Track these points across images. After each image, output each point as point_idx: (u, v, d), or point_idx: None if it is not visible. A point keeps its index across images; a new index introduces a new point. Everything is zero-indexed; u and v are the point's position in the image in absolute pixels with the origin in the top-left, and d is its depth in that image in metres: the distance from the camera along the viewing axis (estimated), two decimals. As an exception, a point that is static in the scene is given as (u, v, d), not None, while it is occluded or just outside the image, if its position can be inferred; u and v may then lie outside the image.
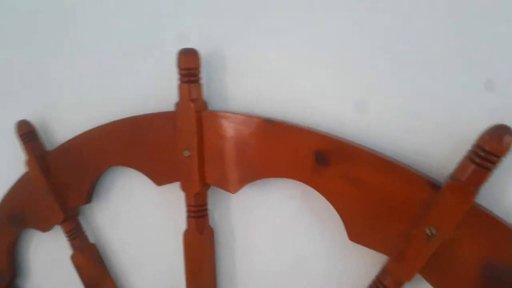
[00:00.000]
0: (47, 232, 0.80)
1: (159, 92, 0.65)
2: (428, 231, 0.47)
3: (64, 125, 0.77)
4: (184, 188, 0.62)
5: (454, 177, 0.46)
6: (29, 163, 0.75)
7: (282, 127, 0.55)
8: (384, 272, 0.51)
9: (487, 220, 0.46)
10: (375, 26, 0.51)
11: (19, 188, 0.80)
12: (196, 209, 0.62)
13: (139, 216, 0.73)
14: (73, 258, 0.75)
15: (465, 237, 0.46)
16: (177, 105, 0.59)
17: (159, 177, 0.64)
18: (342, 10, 0.53)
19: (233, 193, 0.59)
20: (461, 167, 0.45)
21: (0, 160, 0.84)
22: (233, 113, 0.58)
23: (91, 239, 0.77)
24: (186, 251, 0.63)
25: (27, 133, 0.76)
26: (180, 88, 0.59)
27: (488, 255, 0.46)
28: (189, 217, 0.62)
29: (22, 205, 0.81)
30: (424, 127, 0.50)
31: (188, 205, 0.62)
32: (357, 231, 0.52)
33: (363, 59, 0.52)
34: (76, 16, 0.71)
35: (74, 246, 0.75)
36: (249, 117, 0.57)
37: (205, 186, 0.61)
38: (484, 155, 0.43)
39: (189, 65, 0.58)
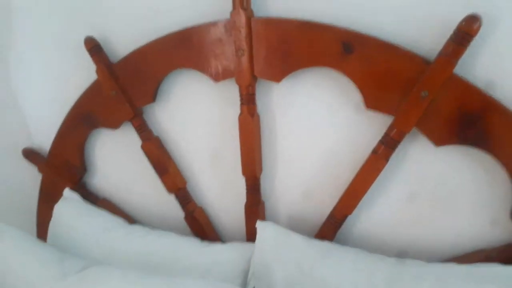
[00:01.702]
0: (113, 131, 1.00)
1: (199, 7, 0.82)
2: (422, 94, 0.68)
3: (123, 40, 0.94)
4: (238, 81, 0.81)
5: (441, 53, 0.66)
6: (98, 71, 0.93)
7: (316, 25, 0.73)
8: (391, 127, 0.72)
9: (461, 83, 0.67)
10: None
11: (90, 93, 0.98)
12: (248, 98, 0.81)
13: (196, 112, 0.92)
14: (143, 146, 0.95)
15: (446, 96, 0.68)
16: (231, 13, 0.77)
17: (217, 75, 0.83)
18: None
19: (278, 82, 0.79)
20: (445, 46, 0.66)
21: (71, 71, 1.01)
22: (275, 17, 0.76)
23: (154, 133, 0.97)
24: (241, 131, 0.84)
25: (94, 47, 0.93)
26: (234, 1, 0.76)
27: (462, 107, 0.68)
28: (242, 104, 0.82)
29: (93, 108, 0.99)
30: (422, 20, 0.70)
31: (241, 94, 0.82)
32: (372, 101, 0.73)
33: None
34: None
35: (142, 137, 0.95)
36: (288, 20, 0.75)
37: (254, 78, 0.81)
38: (461, 36, 0.64)
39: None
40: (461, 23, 0.64)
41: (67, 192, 1.05)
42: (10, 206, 1.15)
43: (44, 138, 1.12)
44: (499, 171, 0.70)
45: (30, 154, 1.12)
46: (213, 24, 0.80)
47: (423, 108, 0.69)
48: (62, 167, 1.08)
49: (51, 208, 1.04)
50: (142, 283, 0.70)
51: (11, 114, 1.12)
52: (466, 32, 0.64)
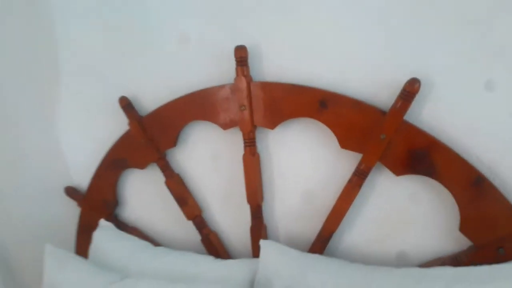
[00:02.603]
0: (141, 171, 1.22)
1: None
2: (381, 136, 0.90)
3: (150, 98, 1.18)
4: (241, 129, 1.03)
5: (393, 106, 0.88)
6: (130, 123, 1.16)
7: (298, 87, 0.96)
8: (360, 162, 0.94)
9: (410, 128, 0.89)
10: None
11: (122, 141, 1.21)
12: (249, 141, 1.04)
13: (209, 153, 1.14)
14: (166, 183, 1.17)
15: (400, 137, 0.89)
16: (235, 79, 1.00)
17: (225, 125, 1.06)
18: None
19: (272, 129, 1.01)
20: (396, 101, 0.88)
21: (107, 122, 1.24)
22: (269, 82, 1.00)
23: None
24: (245, 168, 1.05)
25: (127, 104, 1.17)
26: (237, 69, 1.00)
27: (412, 145, 0.89)
28: (245, 146, 1.04)
29: (125, 153, 1.22)
30: (379, 81, 0.92)
31: (244, 139, 1.04)
32: (345, 142, 0.95)
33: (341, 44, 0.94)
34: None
35: (166, 175, 1.17)
36: (278, 84, 0.98)
37: (254, 126, 1.03)
38: (406, 94, 0.86)
39: (242, 55, 0.99)
40: (405, 84, 0.87)
41: (103, 222, 1.26)
42: (52, 236, 1.36)
43: (82, 178, 1.34)
44: (448, 194, 0.90)
45: (71, 192, 1.35)
46: (222, 87, 1.04)
47: (383, 147, 0.91)
48: (98, 202, 1.30)
49: (88, 237, 1.25)
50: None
51: (55, 158, 1.35)
52: (409, 91, 0.86)
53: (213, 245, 1.16)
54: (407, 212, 0.96)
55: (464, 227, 0.90)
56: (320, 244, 1.03)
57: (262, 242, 1.04)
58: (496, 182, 0.86)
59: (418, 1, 0.86)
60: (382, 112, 0.90)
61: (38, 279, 1.12)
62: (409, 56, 0.89)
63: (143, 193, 1.28)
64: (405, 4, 0.87)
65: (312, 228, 1.04)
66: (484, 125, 0.87)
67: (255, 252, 1.09)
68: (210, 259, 1.10)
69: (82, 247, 1.32)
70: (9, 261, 1.28)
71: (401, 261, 0.98)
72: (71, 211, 1.36)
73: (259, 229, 1.09)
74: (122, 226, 1.29)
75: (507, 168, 0.87)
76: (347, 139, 0.95)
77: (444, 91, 0.88)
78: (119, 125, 1.20)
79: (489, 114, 0.86)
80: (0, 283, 1.24)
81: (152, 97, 1.17)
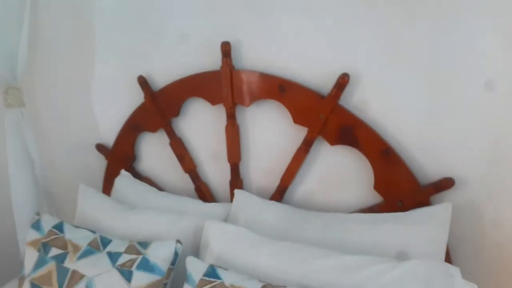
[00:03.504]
0: (152, 134, 1.59)
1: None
2: (321, 116, 1.23)
3: (160, 77, 1.54)
4: (225, 105, 1.38)
5: (329, 93, 1.20)
6: (145, 97, 1.53)
7: (265, 75, 1.30)
8: (307, 135, 1.27)
9: (342, 110, 1.21)
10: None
11: (139, 110, 1.59)
12: (231, 115, 1.38)
13: (201, 122, 1.50)
14: (170, 144, 1.54)
15: (334, 117, 1.22)
16: (221, 67, 1.35)
17: (213, 101, 1.41)
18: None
19: (247, 106, 1.35)
20: (331, 90, 1.20)
21: (130, 98, 1.62)
22: (245, 70, 1.33)
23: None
24: (227, 135, 1.41)
25: (143, 81, 1.53)
26: (222, 59, 1.34)
27: (342, 123, 1.21)
28: (228, 118, 1.39)
29: (140, 120, 1.60)
30: (322, 74, 1.24)
31: (227, 113, 1.38)
32: (297, 119, 1.28)
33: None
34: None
35: (170, 138, 1.54)
36: (252, 72, 1.32)
37: (234, 104, 1.37)
38: (338, 84, 1.18)
39: (226, 49, 1.32)
40: (339, 77, 1.19)
41: (123, 171, 1.66)
42: (84, 180, 1.77)
43: (109, 137, 1.73)
44: (366, 161, 1.22)
45: (101, 148, 1.74)
46: (211, 72, 1.39)
47: (322, 124, 1.23)
48: (120, 156, 1.69)
49: (112, 183, 1.65)
50: (163, 215, 1.29)
51: (89, 120, 1.75)
52: (341, 82, 1.18)
53: (203, 192, 1.53)
54: (339, 173, 1.29)
55: (377, 186, 1.22)
56: (279, 194, 1.38)
57: (236, 191, 1.39)
58: (401, 153, 1.18)
59: (353, 15, 1.17)
60: (322, 97, 1.23)
61: (73, 209, 1.53)
62: (344, 55, 1.21)
63: (153, 151, 1.65)
64: (342, 17, 1.19)
65: (274, 182, 1.39)
66: (395, 108, 1.18)
67: (232, 198, 1.45)
68: (199, 202, 1.47)
69: (107, 189, 1.73)
70: (53, 196, 1.70)
71: (336, 209, 1.32)
72: (100, 163, 1.76)
73: (236, 182, 1.45)
74: (137, 175, 1.68)
75: (409, 142, 1.18)
76: (298, 116, 1.28)
77: (368, 83, 1.20)
78: (137, 97, 1.58)
79: (399, 101, 1.18)
80: (47, 210, 1.66)
81: (162, 77, 1.53)
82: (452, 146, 1.14)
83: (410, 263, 0.96)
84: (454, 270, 0.93)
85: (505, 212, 1.12)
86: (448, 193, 1.14)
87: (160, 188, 1.63)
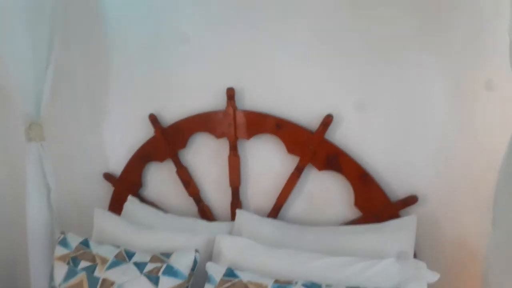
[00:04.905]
0: (160, 163, 1.82)
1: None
2: (310, 147, 1.52)
3: (170, 115, 1.78)
4: (229, 138, 1.64)
5: (317, 129, 1.51)
6: (156, 132, 1.77)
7: (263, 115, 1.59)
8: (299, 162, 1.55)
9: (327, 143, 1.51)
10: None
11: (149, 143, 1.81)
12: (233, 147, 1.65)
13: (206, 154, 1.75)
14: (177, 172, 1.77)
15: (321, 148, 1.51)
16: (226, 108, 1.62)
17: (218, 135, 1.67)
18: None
19: (248, 139, 1.63)
20: (318, 127, 1.50)
21: (140, 132, 1.84)
22: (246, 110, 1.62)
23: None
24: (229, 164, 1.66)
25: (154, 119, 1.77)
26: (227, 101, 1.62)
27: (328, 153, 1.51)
28: (230, 150, 1.65)
29: (150, 151, 1.82)
30: (311, 113, 1.54)
31: (230, 146, 1.65)
32: (291, 149, 1.57)
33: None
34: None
35: (177, 167, 1.77)
36: (252, 112, 1.61)
37: (236, 138, 1.64)
38: (324, 123, 1.49)
39: (231, 93, 1.61)
40: (324, 117, 1.49)
41: (130, 197, 1.85)
42: (92, 205, 1.93)
43: (117, 167, 1.93)
44: (348, 183, 1.51)
45: (108, 176, 1.94)
46: (217, 111, 1.66)
47: (311, 153, 1.53)
48: (128, 184, 1.89)
49: (117, 207, 1.84)
50: (178, 232, 1.51)
51: (99, 153, 1.95)
52: (326, 122, 1.49)
53: (206, 213, 1.76)
54: (325, 193, 1.58)
55: (357, 203, 1.51)
56: (274, 212, 1.63)
57: (237, 211, 1.63)
58: (375, 176, 1.49)
59: (335, 69, 1.50)
60: (311, 132, 1.53)
61: (82, 230, 1.69)
62: (328, 100, 1.52)
63: (160, 179, 1.87)
64: (328, 69, 1.51)
65: (270, 202, 1.65)
66: (369, 140, 1.50)
67: (233, 218, 1.68)
68: (204, 221, 1.69)
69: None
70: (66, 220, 1.86)
71: (324, 224, 1.58)
72: (106, 190, 1.95)
73: (236, 203, 1.69)
74: (144, 201, 1.88)
75: (381, 167, 1.49)
76: (291, 147, 1.57)
77: (347, 121, 1.52)
78: (146, 131, 1.81)
79: (372, 134, 1.50)
80: (58, 231, 1.80)
81: (173, 114, 1.78)
82: (414, 169, 1.46)
83: (388, 260, 1.24)
84: (421, 263, 1.22)
85: (459, 220, 1.43)
86: (413, 207, 1.45)
87: (164, 211, 1.84)
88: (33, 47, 1.65)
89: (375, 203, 1.49)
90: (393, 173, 1.49)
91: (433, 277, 1.20)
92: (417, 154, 1.45)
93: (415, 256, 1.39)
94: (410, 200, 1.44)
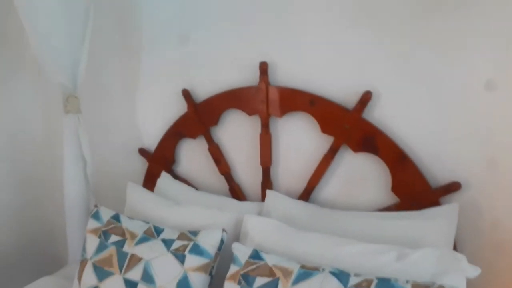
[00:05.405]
0: (192, 140, 1.80)
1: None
2: (346, 126, 1.43)
3: (202, 91, 1.75)
4: (260, 115, 1.59)
5: (354, 108, 1.41)
6: (189, 107, 1.74)
7: (297, 91, 1.51)
8: (333, 143, 1.47)
9: (365, 122, 1.41)
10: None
11: (182, 119, 1.79)
12: (265, 125, 1.59)
13: (238, 131, 1.70)
14: (209, 149, 1.74)
15: (357, 127, 1.42)
16: (259, 83, 1.56)
17: (250, 112, 1.62)
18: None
19: (280, 117, 1.56)
20: (356, 104, 1.41)
21: (173, 108, 1.83)
22: (279, 86, 1.54)
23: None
24: (261, 142, 1.61)
25: (187, 94, 1.74)
26: (260, 76, 1.55)
27: (364, 133, 1.41)
28: (262, 128, 1.60)
29: (182, 127, 1.80)
30: (347, 90, 1.45)
31: (262, 123, 1.59)
32: (324, 129, 1.48)
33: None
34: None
35: (209, 144, 1.74)
36: (285, 88, 1.53)
37: (268, 115, 1.58)
38: (362, 100, 1.39)
39: (264, 68, 1.54)
40: (362, 94, 1.39)
41: (164, 173, 1.86)
42: (127, 180, 1.96)
43: (150, 142, 1.93)
44: (385, 166, 1.42)
45: (143, 152, 1.95)
46: (250, 87, 1.60)
47: (347, 133, 1.44)
48: (161, 160, 1.89)
49: (151, 184, 1.85)
50: (207, 210, 1.49)
51: (134, 128, 1.96)
52: (364, 99, 1.39)
53: (236, 192, 1.73)
54: (360, 177, 1.49)
55: (394, 188, 1.42)
56: (305, 194, 1.57)
57: (268, 191, 1.59)
58: (414, 159, 1.38)
59: (373, 43, 1.39)
60: (347, 110, 1.43)
61: (115, 204, 1.71)
62: (366, 75, 1.42)
63: (192, 156, 1.86)
64: (364, 44, 1.40)
65: (301, 184, 1.58)
66: (409, 120, 1.39)
67: (263, 198, 1.64)
68: (235, 200, 1.67)
69: (147, 188, 1.92)
70: (101, 193, 1.90)
71: (357, 209, 1.51)
72: (141, 165, 1.97)
73: (267, 183, 1.65)
74: (175, 177, 1.88)
75: (421, 150, 1.38)
76: (325, 127, 1.48)
77: (386, 99, 1.41)
78: (179, 108, 1.79)
79: (412, 114, 1.38)
80: (93, 202, 1.85)
81: (204, 90, 1.74)
82: (457, 154, 1.33)
83: (424, 250, 1.15)
84: (460, 255, 1.12)
85: (505, 213, 1.31)
86: (454, 195, 1.33)
87: (196, 188, 1.83)
88: (69, 21, 1.65)
89: (414, 189, 1.38)
90: (435, 158, 1.37)
91: (474, 271, 1.10)
92: (462, 139, 1.32)
93: (454, 248, 1.28)
94: (453, 187, 1.32)
